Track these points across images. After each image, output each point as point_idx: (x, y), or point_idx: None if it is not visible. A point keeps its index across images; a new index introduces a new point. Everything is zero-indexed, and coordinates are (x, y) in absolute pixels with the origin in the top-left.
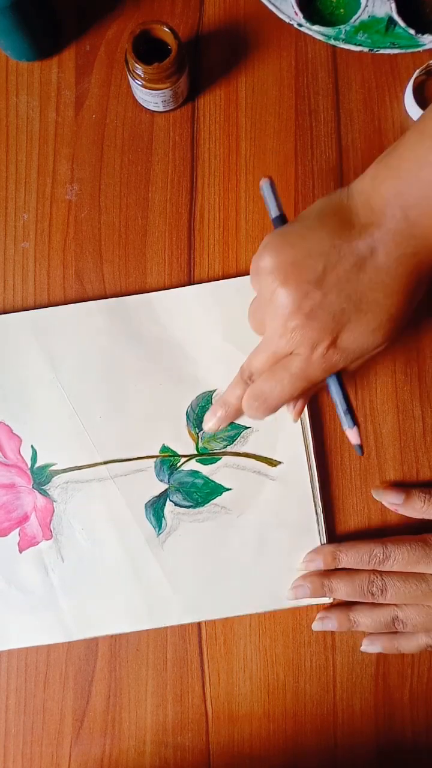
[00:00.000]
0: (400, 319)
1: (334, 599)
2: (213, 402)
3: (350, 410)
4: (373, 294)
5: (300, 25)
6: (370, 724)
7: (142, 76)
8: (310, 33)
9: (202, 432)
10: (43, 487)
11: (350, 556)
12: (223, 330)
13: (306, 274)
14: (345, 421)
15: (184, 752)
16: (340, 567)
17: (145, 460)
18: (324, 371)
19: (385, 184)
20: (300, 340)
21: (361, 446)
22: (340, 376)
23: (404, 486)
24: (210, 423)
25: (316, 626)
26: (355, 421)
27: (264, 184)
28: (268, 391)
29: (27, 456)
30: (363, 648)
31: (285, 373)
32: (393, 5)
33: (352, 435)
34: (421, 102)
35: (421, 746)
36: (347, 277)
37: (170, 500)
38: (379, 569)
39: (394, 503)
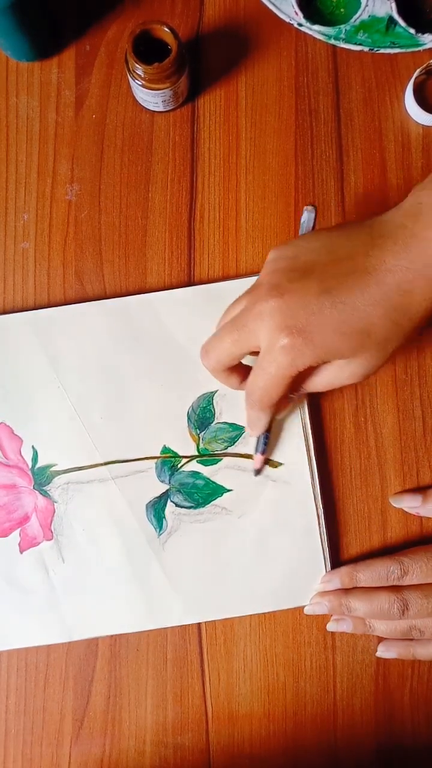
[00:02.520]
0: (375, 337)
1: None
2: (214, 402)
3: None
4: (359, 303)
5: (300, 24)
6: (370, 724)
7: (142, 76)
8: (310, 33)
9: (203, 433)
10: (43, 488)
11: (367, 575)
12: None
13: (296, 263)
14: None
15: (184, 752)
16: (358, 586)
17: (146, 461)
18: (294, 362)
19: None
20: (270, 321)
21: (258, 471)
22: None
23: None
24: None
25: (331, 627)
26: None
27: (306, 214)
28: (256, 379)
29: (28, 457)
30: (378, 653)
31: (260, 366)
32: (393, 5)
33: (258, 460)
34: (422, 102)
35: (421, 746)
36: (331, 275)
37: (171, 501)
38: (398, 584)
39: (413, 506)
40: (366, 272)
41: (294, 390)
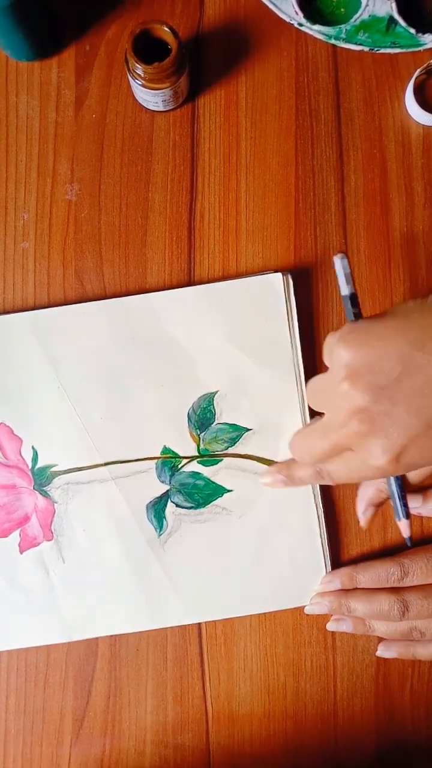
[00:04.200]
0: None
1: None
2: (214, 403)
3: (404, 502)
4: None
5: (300, 24)
6: (370, 724)
7: (142, 75)
8: (310, 32)
9: (203, 433)
10: (44, 488)
11: (367, 577)
12: (224, 331)
13: (379, 379)
14: (399, 511)
15: (184, 752)
16: (358, 587)
17: (146, 461)
18: (382, 477)
19: None
20: (362, 444)
21: (411, 538)
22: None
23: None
24: (267, 479)
25: (331, 626)
26: (407, 514)
27: (338, 261)
28: (334, 472)
29: (28, 457)
30: (378, 653)
31: (347, 467)
32: (393, 4)
33: (403, 527)
34: (422, 102)
35: (421, 746)
36: (422, 391)
37: (171, 501)
38: (398, 586)
39: (413, 507)
40: None
41: None
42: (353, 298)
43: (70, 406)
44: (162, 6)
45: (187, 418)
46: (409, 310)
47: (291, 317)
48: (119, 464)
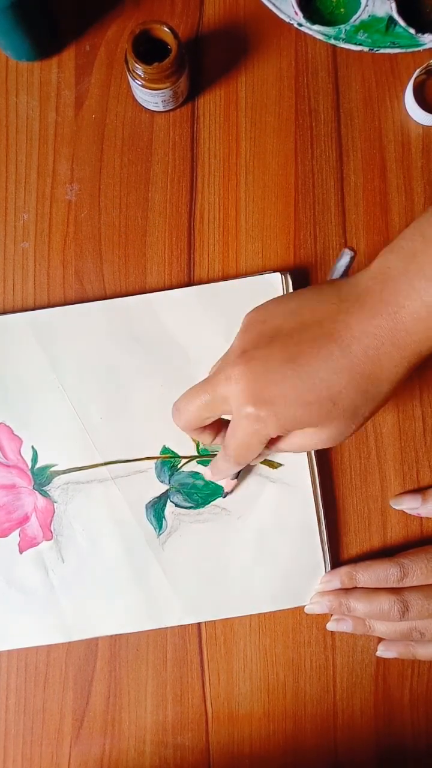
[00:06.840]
0: (342, 406)
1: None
2: None
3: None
4: (322, 372)
5: (300, 24)
6: (370, 724)
7: (142, 76)
8: (310, 33)
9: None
10: (43, 488)
11: (367, 576)
12: (224, 332)
13: (265, 328)
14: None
15: (184, 752)
16: (358, 586)
17: (146, 461)
18: (262, 432)
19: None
20: (235, 391)
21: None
22: None
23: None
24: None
25: (331, 626)
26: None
27: (346, 255)
28: (232, 445)
29: (28, 457)
30: (378, 653)
31: (234, 433)
32: (393, 5)
33: (230, 484)
34: (421, 101)
35: (421, 746)
36: (297, 341)
37: (171, 501)
38: (398, 586)
39: (413, 507)
40: (331, 339)
41: (267, 448)
42: None
43: (70, 406)
44: (162, 6)
45: None
46: (311, 286)
47: None
48: (119, 464)
